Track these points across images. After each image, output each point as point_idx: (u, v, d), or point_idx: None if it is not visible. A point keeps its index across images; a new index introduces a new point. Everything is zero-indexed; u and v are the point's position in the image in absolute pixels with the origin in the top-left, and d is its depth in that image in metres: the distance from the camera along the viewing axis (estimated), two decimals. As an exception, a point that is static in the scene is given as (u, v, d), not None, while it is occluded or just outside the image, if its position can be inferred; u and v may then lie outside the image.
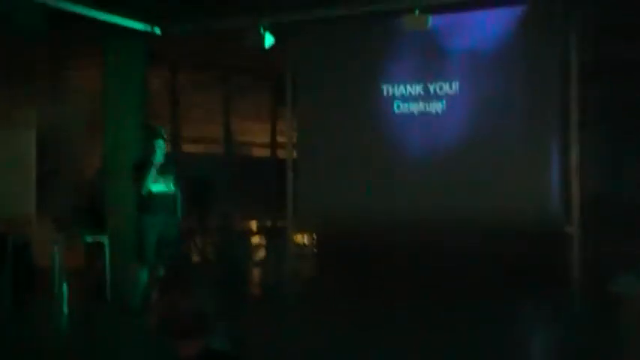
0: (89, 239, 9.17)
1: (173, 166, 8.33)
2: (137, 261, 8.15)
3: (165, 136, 8.25)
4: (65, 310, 8.40)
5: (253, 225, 13.85)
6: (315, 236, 13.15)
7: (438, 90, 8.98)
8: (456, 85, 8.91)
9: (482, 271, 10.19)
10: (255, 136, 13.92)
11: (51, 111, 10.86)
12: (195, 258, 12.13)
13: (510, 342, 7.01)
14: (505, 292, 9.04)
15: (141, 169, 8.08)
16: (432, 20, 8.29)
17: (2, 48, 10.70)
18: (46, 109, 11.00)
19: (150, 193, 8.07)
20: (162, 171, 8.12)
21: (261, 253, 12.81)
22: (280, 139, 12.52)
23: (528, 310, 8.49)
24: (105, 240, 8.87)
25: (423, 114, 9.03)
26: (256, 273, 11.22)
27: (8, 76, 12.31)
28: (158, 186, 8.10)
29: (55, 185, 10.42)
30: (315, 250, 13.71)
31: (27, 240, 9.18)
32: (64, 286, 8.48)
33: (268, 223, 13.06)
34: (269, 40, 8.64)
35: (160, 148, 8.06)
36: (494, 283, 9.65)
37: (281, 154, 11.94)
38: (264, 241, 13.10)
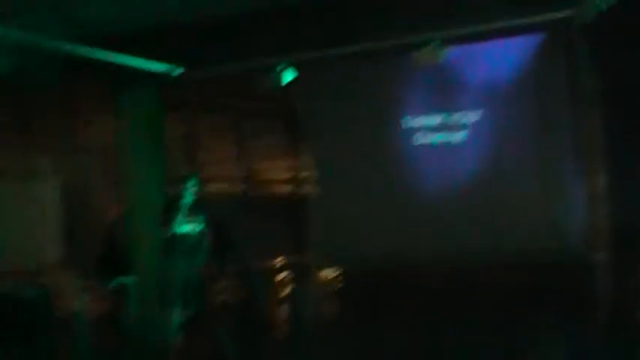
0: (113, 285, 9.12)
1: (201, 208, 8.30)
2: (161, 304, 8.08)
3: (195, 179, 8.24)
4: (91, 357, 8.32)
5: (276, 263, 13.72)
6: (339, 272, 13.02)
7: (458, 120, 8.96)
8: (475, 115, 8.88)
9: (508, 305, 10.05)
10: (273, 175, 13.89)
11: (71, 160, 10.88)
12: (219, 301, 12.02)
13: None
14: (532, 326, 8.88)
15: (168, 211, 8.07)
16: (448, 52, 8.29)
17: (20, 99, 10.77)
18: (66, 159, 11.02)
19: (174, 235, 8.03)
20: (190, 213, 8.09)
21: (284, 291, 12.67)
22: (300, 176, 12.49)
23: (558, 342, 8.32)
24: (129, 285, 8.80)
25: (444, 145, 9.00)
26: (281, 311, 11.09)
27: (27, 126, 12.37)
28: (184, 228, 8.08)
29: (78, 234, 10.40)
30: (339, 286, 13.55)
31: (51, 289, 9.13)
32: (89, 334, 8.41)
33: (291, 261, 12.95)
34: (286, 77, 8.66)
35: (189, 190, 8.05)
36: (520, 316, 9.49)
37: (301, 191, 11.90)
38: (287, 279, 12.96)
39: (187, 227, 8.11)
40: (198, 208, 8.25)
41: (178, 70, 9.34)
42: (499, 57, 8.80)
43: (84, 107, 11.84)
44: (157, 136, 9.82)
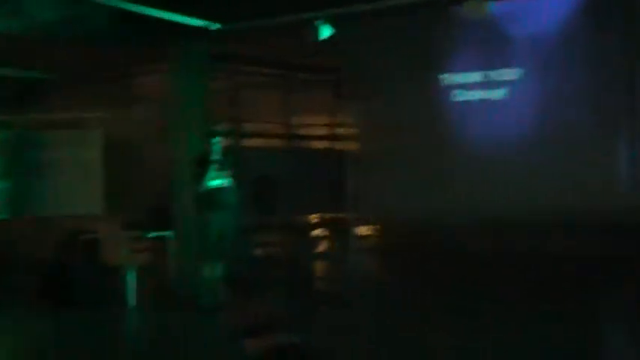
0: (154, 235, 9.10)
1: (230, 161, 8.19)
2: (200, 258, 8.01)
3: (221, 132, 8.12)
4: (132, 305, 8.31)
5: (315, 218, 13.61)
6: (378, 227, 12.84)
7: (498, 77, 8.58)
8: (517, 72, 8.48)
9: (554, 268, 9.74)
10: (315, 130, 13.71)
11: (117, 113, 10.83)
12: (261, 255, 11.95)
13: (602, 340, 6.55)
14: (581, 291, 8.56)
15: (199, 166, 7.98)
16: (493, 6, 7.91)
17: (70, 52, 10.70)
18: (117, 111, 10.97)
19: (208, 189, 7.95)
20: (220, 167, 7.98)
21: (323, 246, 12.58)
22: (340, 131, 12.27)
23: (615, 305, 8.01)
24: (170, 236, 8.74)
25: (484, 101, 8.64)
26: (319, 265, 10.99)
27: (76, 79, 12.35)
28: (216, 182, 7.99)
29: (122, 186, 10.37)
30: (377, 240, 13.37)
31: (96, 238, 9.14)
32: (132, 283, 8.40)
33: (331, 216, 12.82)
34: (325, 31, 8.37)
35: (217, 144, 7.96)
36: (569, 281, 9.18)
37: (341, 146, 11.69)
38: (326, 234, 12.85)
39: (218, 182, 8.02)
40: (227, 162, 8.13)
41: (219, 25, 9.13)
42: (546, 12, 8.36)
43: (132, 61, 11.76)
44: (203, 90, 9.70)
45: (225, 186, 8.02)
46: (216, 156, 7.92)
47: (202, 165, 7.94)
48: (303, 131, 13.77)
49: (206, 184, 7.92)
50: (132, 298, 8.32)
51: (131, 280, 8.39)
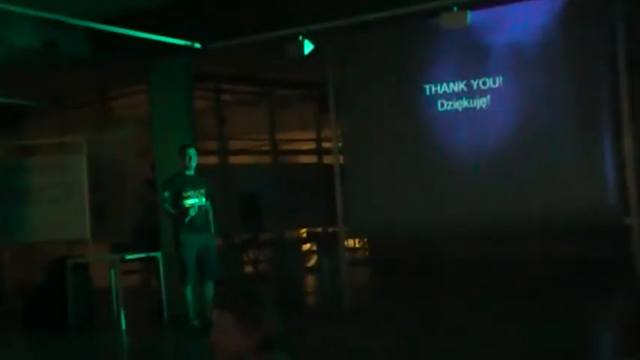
0: (143, 257, 9.03)
1: (204, 179, 8.01)
2: (179, 279, 7.92)
3: (194, 147, 8.01)
4: (123, 328, 8.25)
5: (304, 232, 13.61)
6: (366, 240, 12.85)
7: (481, 85, 8.58)
8: (499, 80, 8.47)
9: (540, 273, 9.76)
10: (301, 145, 13.72)
11: (100, 136, 10.79)
12: (250, 272, 11.93)
13: (583, 341, 6.57)
14: (571, 293, 8.59)
15: (171, 186, 7.81)
16: (471, 16, 7.94)
17: (50, 75, 10.67)
18: (96, 135, 10.92)
19: (181, 209, 7.75)
20: (195, 185, 7.84)
21: (312, 260, 12.56)
22: (326, 145, 12.29)
23: (598, 307, 8.03)
24: (159, 257, 8.68)
25: (468, 110, 8.65)
26: (309, 280, 10.97)
27: (57, 103, 12.32)
28: (191, 200, 7.81)
29: (109, 208, 10.32)
30: (366, 253, 13.39)
31: (84, 262, 9.08)
32: (122, 306, 8.34)
33: (319, 230, 12.81)
34: (308, 47, 8.39)
35: (190, 163, 7.79)
36: (557, 285, 9.20)
37: (328, 160, 11.69)
38: (315, 248, 12.85)
39: (194, 198, 7.86)
40: (202, 178, 8.00)
41: (200, 45, 9.13)
42: (526, 19, 8.39)
43: (113, 83, 11.73)
44: (187, 109, 9.67)
45: (201, 205, 7.87)
46: (190, 172, 7.80)
47: (174, 185, 7.80)
48: (289, 146, 13.78)
49: (180, 205, 7.77)
50: (122, 321, 8.26)
51: (121, 302, 8.33)
